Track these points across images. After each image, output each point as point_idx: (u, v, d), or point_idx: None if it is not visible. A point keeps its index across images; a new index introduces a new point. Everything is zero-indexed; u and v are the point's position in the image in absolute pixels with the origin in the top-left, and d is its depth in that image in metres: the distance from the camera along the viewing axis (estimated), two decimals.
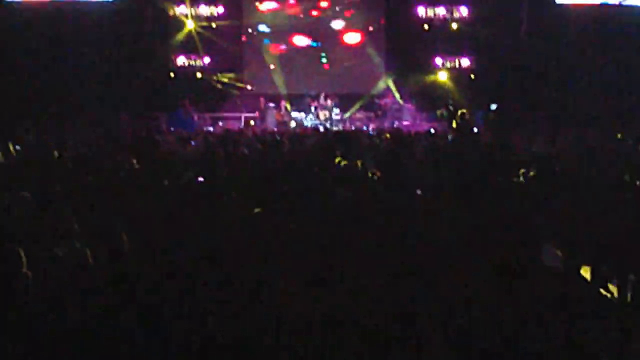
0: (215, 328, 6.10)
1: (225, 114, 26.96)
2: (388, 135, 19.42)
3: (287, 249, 7.87)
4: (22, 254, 6.81)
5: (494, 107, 24.54)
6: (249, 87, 27.81)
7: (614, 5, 26.11)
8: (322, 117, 26.29)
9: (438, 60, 27.21)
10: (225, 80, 27.35)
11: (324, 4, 28.46)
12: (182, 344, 6.01)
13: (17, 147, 16.52)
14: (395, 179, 12.13)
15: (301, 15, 28.49)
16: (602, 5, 26.13)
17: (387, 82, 27.57)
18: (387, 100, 27.28)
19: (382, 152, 15.66)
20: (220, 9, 26.77)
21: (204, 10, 26.58)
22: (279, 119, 26.12)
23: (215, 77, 27.21)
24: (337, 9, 28.51)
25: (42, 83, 23.79)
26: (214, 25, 26.88)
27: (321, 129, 24.19)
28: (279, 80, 27.88)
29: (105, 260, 7.49)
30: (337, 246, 8.05)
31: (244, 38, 28.28)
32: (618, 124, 21.15)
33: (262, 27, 28.39)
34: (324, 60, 28.46)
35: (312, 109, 26.53)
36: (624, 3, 26.11)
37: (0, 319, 6.05)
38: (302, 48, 28.50)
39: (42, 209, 9.60)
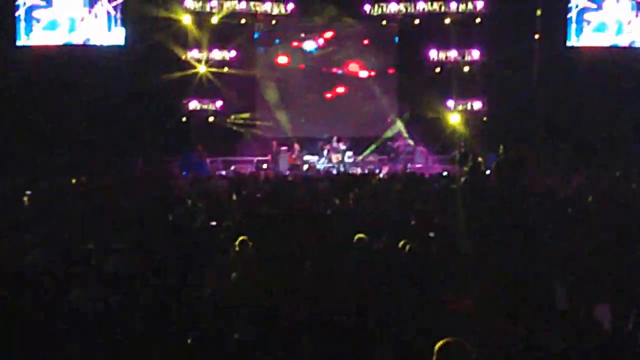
0: None
1: (238, 158, 27.00)
2: (400, 178, 19.45)
3: (301, 294, 7.86)
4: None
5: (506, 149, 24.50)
6: (261, 131, 27.90)
7: (624, 47, 26.20)
8: (334, 160, 26.31)
9: (450, 103, 27.25)
10: (238, 123, 27.45)
11: (335, 48, 28.61)
12: None
13: (29, 192, 16.58)
14: (409, 221, 12.13)
15: (313, 58, 28.67)
16: (612, 47, 26.23)
17: (398, 126, 27.67)
18: (400, 143, 27.33)
19: (395, 195, 15.67)
20: (233, 54, 26.97)
21: (217, 54, 26.76)
22: (291, 162, 26.14)
23: (227, 121, 27.30)
24: (349, 52, 28.67)
25: (54, 127, 23.92)
26: (226, 69, 27.05)
27: (334, 172, 24.21)
28: (291, 123, 27.99)
29: (119, 307, 7.49)
30: (350, 290, 8.03)
31: (256, 82, 28.36)
32: (630, 165, 21.13)
33: (274, 70, 28.52)
34: (336, 103, 28.53)
35: (325, 152, 26.55)
36: (635, 45, 26.20)
37: None
38: (314, 91, 28.57)
39: (57, 254, 9.62)
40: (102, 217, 12.69)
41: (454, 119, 27.10)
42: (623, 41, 26.25)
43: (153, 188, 17.50)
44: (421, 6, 26.77)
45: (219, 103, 27.09)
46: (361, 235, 10.04)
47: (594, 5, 26.02)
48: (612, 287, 8.97)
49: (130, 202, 15.01)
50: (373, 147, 27.38)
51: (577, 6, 25.95)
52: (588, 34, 26.14)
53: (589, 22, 26.06)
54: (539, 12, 25.90)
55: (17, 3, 24.81)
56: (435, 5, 26.74)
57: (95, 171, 21.97)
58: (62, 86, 24.45)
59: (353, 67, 28.77)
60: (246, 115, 27.54)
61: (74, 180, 19.16)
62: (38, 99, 24.21)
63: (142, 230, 11.38)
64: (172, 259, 9.35)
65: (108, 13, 25.17)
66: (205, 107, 27.09)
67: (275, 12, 26.90)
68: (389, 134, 27.79)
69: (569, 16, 26.01)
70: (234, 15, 26.65)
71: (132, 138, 24.76)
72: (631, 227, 11.16)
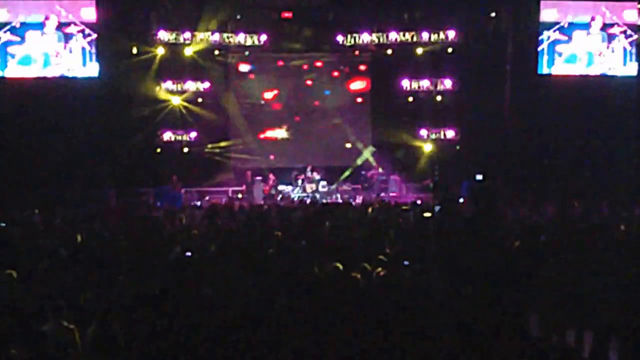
0: None
1: (213, 188, 26.98)
2: (374, 207, 19.49)
3: (276, 326, 7.86)
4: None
5: (479, 177, 24.67)
6: (235, 161, 28.00)
7: (595, 76, 26.45)
8: (308, 189, 26.38)
9: (423, 132, 27.52)
10: (212, 154, 27.49)
11: (309, 76, 28.79)
12: None
13: (2, 224, 16.49)
14: (381, 250, 12.16)
15: (287, 88, 28.83)
16: (584, 75, 26.48)
17: (366, 155, 27.90)
18: (374, 172, 27.45)
19: (369, 223, 15.72)
20: (206, 85, 27.06)
21: (191, 86, 26.85)
22: (266, 193, 26.17)
23: (202, 152, 27.33)
24: (323, 81, 28.85)
25: (28, 159, 23.86)
26: (200, 100, 27.16)
27: (308, 201, 24.26)
28: (265, 153, 28.11)
29: (93, 339, 7.46)
30: (325, 321, 8.04)
31: (230, 112, 28.42)
32: (602, 193, 21.36)
33: (248, 100, 28.64)
34: (310, 133, 28.65)
35: (299, 181, 26.63)
36: (606, 73, 26.46)
37: None
38: (288, 121, 28.70)
39: (30, 286, 9.57)
40: (76, 251, 12.64)
41: (427, 147, 27.41)
42: (594, 72, 26.50)
43: (126, 220, 17.46)
44: (393, 36, 26.97)
45: (193, 134, 27.14)
46: (336, 264, 10.07)
47: (565, 37, 26.26)
48: (586, 314, 9.06)
49: (104, 234, 14.97)
50: (347, 173, 27.57)
51: (548, 38, 26.19)
52: (559, 66, 26.38)
53: (560, 54, 26.28)
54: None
55: None
56: (408, 36, 26.96)
57: (69, 203, 21.91)
58: (36, 118, 24.36)
59: (326, 95, 28.92)
60: (217, 149, 27.63)
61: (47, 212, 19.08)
62: (11, 130, 24.15)
63: (116, 263, 11.34)
64: (147, 290, 9.33)
65: (83, 48, 25.10)
66: (179, 137, 27.12)
67: (249, 43, 26.99)
68: (359, 162, 28.01)
69: (540, 48, 26.22)
70: (207, 46, 26.75)
71: (106, 169, 24.74)
72: (603, 254, 11.28)
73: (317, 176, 26.68)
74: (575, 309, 9.15)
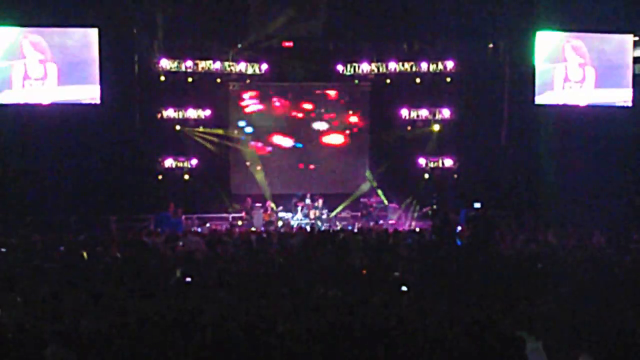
0: None
1: (213, 215, 27.08)
2: (373, 234, 19.59)
3: (276, 351, 7.94)
4: None
5: (477, 205, 24.80)
6: (236, 188, 28.17)
7: (591, 106, 26.74)
8: (312, 215, 26.44)
9: (421, 161, 27.69)
10: (213, 181, 27.59)
11: (308, 106, 29.03)
12: None
13: (3, 250, 16.56)
14: (381, 276, 12.28)
15: (286, 117, 29.05)
16: (580, 105, 26.77)
17: (368, 177, 28.09)
18: (373, 199, 27.57)
19: (368, 250, 15.82)
20: (208, 112, 27.26)
21: (192, 113, 27.03)
22: (266, 219, 26.25)
23: (202, 179, 27.42)
24: (322, 110, 29.08)
25: (29, 185, 24.00)
26: (201, 128, 27.34)
27: (308, 228, 24.36)
28: (265, 181, 28.22)
29: None
30: (325, 345, 8.13)
31: (230, 139, 28.59)
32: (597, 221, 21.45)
33: (248, 129, 28.86)
34: (310, 161, 28.88)
35: (299, 209, 26.72)
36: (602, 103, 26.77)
37: None
38: (288, 149, 28.87)
39: (30, 312, 9.66)
40: (77, 275, 12.74)
41: (426, 176, 27.62)
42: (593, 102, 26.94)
43: (128, 245, 17.52)
44: (392, 66, 27.35)
45: (194, 161, 27.28)
46: (334, 290, 10.18)
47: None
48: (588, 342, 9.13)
49: (105, 259, 15.05)
50: (345, 203, 27.72)
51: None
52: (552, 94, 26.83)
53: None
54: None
55: None
56: (407, 65, 27.31)
57: (70, 229, 21.98)
58: (38, 144, 24.54)
59: (325, 125, 29.09)
60: (218, 175, 27.80)
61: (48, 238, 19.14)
62: (13, 156, 24.31)
63: (116, 288, 11.43)
64: (147, 316, 9.41)
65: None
66: (180, 164, 27.24)
67: (250, 71, 27.29)
68: (362, 189, 28.19)
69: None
70: (208, 74, 27.01)
71: (107, 196, 24.82)
72: (601, 282, 11.40)
73: (316, 203, 26.77)
74: (572, 335, 9.24)
